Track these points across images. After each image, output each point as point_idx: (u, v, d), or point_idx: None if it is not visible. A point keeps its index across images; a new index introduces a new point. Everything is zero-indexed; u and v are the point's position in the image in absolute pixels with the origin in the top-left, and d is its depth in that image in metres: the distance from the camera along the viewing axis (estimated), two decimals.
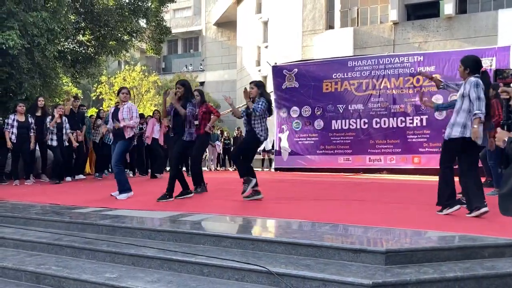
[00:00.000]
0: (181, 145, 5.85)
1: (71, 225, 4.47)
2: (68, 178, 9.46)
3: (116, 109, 6.28)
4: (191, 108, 5.78)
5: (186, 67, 39.15)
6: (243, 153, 5.98)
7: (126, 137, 6.12)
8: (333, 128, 13.32)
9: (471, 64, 4.46)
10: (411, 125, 12.28)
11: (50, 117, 8.85)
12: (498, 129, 2.17)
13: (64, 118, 8.99)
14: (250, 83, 6.04)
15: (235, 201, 5.81)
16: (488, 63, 11.64)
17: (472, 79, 4.34)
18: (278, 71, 14.22)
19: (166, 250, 3.56)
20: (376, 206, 5.41)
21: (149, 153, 10.99)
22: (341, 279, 2.83)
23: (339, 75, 13.35)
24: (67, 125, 9.08)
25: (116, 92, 7.23)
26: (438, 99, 11.52)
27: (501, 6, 18.99)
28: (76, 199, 6.09)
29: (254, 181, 5.74)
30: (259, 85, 5.94)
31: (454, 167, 4.58)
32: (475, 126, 4.15)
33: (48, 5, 10.90)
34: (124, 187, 6.09)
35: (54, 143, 8.76)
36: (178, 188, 5.93)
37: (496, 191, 6.13)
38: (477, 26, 18.59)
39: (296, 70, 13.91)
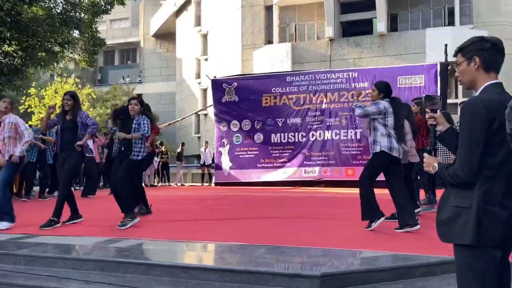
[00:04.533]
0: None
1: None
2: None
3: None
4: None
5: (123, 79, 38.07)
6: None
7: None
8: (272, 141, 13.39)
9: (385, 89, 4.84)
10: (345, 138, 12.60)
11: None
12: (426, 155, 2.18)
13: None
14: (130, 99, 5.66)
15: (168, 223, 5.58)
16: (418, 81, 12.22)
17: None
18: (217, 85, 14.12)
19: (91, 282, 3.30)
20: (313, 224, 5.40)
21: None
22: None
23: (278, 89, 13.48)
24: None
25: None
26: None
27: (428, 25, 20.14)
28: None
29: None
30: (142, 102, 5.57)
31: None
32: None
33: None
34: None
35: None
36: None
37: (428, 207, 6.35)
38: (407, 43, 19.56)
39: (235, 84, 13.88)
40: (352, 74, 12.94)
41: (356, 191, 8.20)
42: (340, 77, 12.98)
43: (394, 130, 4.70)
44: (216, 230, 5.03)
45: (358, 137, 12.47)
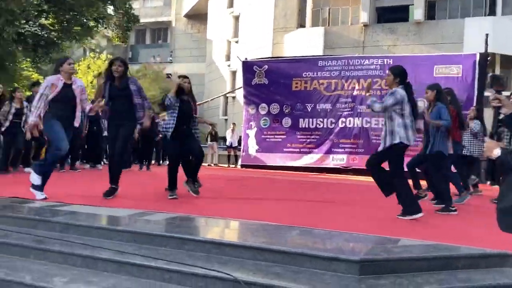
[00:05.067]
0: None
1: (21, 221, 4.10)
2: (28, 169, 8.87)
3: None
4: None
5: (154, 58, 38.29)
6: None
7: None
8: (300, 126, 13.25)
9: (401, 74, 4.64)
10: (376, 126, 12.33)
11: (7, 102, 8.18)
12: (487, 139, 2.04)
13: (25, 103, 8.18)
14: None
15: (200, 199, 5.56)
16: (456, 71, 11.81)
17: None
18: (248, 67, 14.00)
19: (124, 253, 3.29)
20: (344, 209, 5.30)
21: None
22: None
23: (309, 74, 13.27)
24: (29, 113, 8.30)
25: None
26: None
27: (468, 14, 19.44)
28: (29, 191, 5.67)
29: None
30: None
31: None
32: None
33: None
34: None
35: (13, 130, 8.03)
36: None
37: (463, 197, 6.13)
38: (445, 32, 18.96)
39: (266, 66, 13.73)
40: (386, 61, 12.59)
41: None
42: (374, 63, 12.67)
43: (410, 118, 4.58)
44: (248, 209, 4.98)
45: None
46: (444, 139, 5.47)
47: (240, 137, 14.84)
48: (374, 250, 3.22)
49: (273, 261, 3.11)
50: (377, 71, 12.49)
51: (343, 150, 12.66)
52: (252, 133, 13.85)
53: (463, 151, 6.84)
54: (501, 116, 1.83)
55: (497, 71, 17.97)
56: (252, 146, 13.76)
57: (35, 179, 5.01)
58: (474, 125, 6.93)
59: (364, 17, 20.28)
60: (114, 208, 4.63)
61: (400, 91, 4.54)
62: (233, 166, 16.15)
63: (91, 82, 19.11)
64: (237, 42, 26.46)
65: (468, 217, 5.17)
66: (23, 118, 8.20)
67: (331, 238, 3.64)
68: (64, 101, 5.04)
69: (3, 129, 8.12)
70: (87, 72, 21.72)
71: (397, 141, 4.53)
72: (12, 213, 4.27)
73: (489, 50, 11.90)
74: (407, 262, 3.05)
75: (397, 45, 19.61)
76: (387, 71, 4.85)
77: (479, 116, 7.51)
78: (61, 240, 3.59)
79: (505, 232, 1.87)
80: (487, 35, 11.40)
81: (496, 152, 1.96)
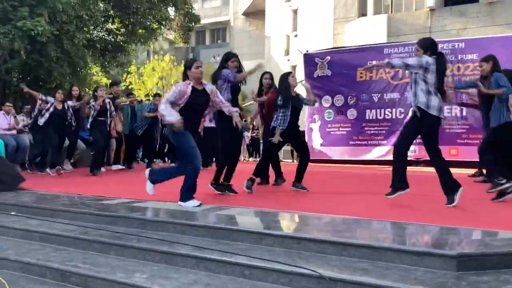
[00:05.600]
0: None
1: (99, 217, 4.18)
2: (115, 166, 9.23)
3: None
4: None
5: (214, 58, 38.86)
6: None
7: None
8: (367, 118, 12.77)
9: (430, 46, 4.55)
10: (449, 115, 11.61)
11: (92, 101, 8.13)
12: None
13: (108, 101, 8.14)
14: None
15: (272, 193, 5.44)
16: None
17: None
18: (310, 59, 13.70)
19: (202, 248, 3.22)
20: (425, 203, 4.94)
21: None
22: None
23: (374, 62, 12.75)
24: (113, 108, 8.19)
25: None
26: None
27: None
28: (106, 189, 5.83)
29: None
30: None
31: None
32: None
33: None
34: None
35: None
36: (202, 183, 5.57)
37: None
38: None
39: (328, 58, 13.36)
40: (458, 45, 11.81)
41: (461, 171, 7.59)
42: (445, 48, 11.90)
43: (434, 87, 4.44)
44: (323, 203, 4.79)
45: (464, 113, 11.45)
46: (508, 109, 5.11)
47: (304, 131, 14.59)
48: (472, 244, 2.92)
49: (359, 256, 2.91)
50: (448, 56, 11.66)
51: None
52: (316, 126, 13.55)
53: None
54: None
55: None
56: (316, 140, 13.47)
57: (150, 186, 4.92)
58: None
59: (430, 1, 19.25)
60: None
61: (427, 58, 4.43)
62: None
63: (157, 84, 19.62)
64: (296, 36, 26.13)
65: None
66: (108, 115, 8.19)
67: (418, 232, 3.36)
68: (194, 108, 4.65)
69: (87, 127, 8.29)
70: (152, 74, 22.34)
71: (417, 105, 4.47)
72: (90, 210, 4.36)
73: None
74: (510, 257, 2.73)
75: (468, 28, 18.40)
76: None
77: None
78: (138, 236, 3.60)
79: None
80: None
81: None
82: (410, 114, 4.70)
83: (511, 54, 10.99)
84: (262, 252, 3.11)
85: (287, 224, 3.90)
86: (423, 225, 3.52)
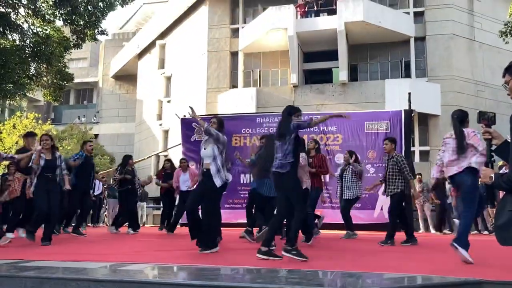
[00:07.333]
0: None
1: None
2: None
3: None
4: None
5: (79, 118, 37.15)
6: None
7: None
8: (241, 182, 13.34)
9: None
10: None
11: None
12: (483, 168, 2.29)
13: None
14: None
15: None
16: (384, 127, 12.68)
17: None
18: (187, 124, 14.07)
19: None
20: None
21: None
22: None
23: (247, 130, 13.63)
24: None
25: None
26: (339, 158, 12.27)
27: (387, 76, 21.32)
28: None
29: None
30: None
31: None
32: None
33: None
34: None
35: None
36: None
37: None
38: (368, 92, 20.51)
39: (205, 123, 13.84)
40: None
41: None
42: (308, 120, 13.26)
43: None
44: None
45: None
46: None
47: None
48: None
49: None
50: (311, 128, 13.02)
51: None
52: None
53: None
54: (493, 147, 2.07)
55: (416, 128, 19.59)
56: None
57: None
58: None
59: (293, 78, 21.41)
60: (81, 262, 4.33)
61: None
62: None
63: (16, 143, 18.03)
64: (169, 101, 26.58)
65: None
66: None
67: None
68: None
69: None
70: (12, 132, 20.48)
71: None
72: None
73: (412, 107, 12.99)
74: None
75: (325, 104, 20.78)
76: None
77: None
78: None
79: (502, 245, 2.07)
80: (409, 93, 12.50)
81: (491, 178, 2.19)
82: None
83: (364, 128, 12.73)
84: None
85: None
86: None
